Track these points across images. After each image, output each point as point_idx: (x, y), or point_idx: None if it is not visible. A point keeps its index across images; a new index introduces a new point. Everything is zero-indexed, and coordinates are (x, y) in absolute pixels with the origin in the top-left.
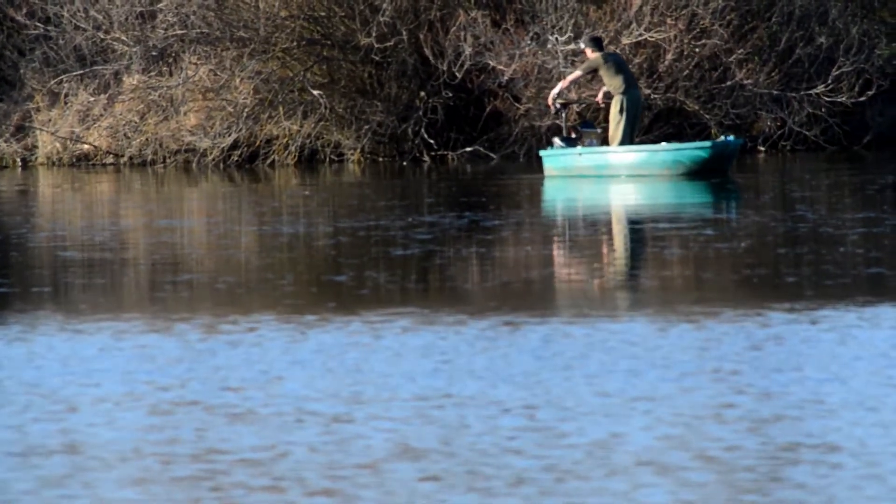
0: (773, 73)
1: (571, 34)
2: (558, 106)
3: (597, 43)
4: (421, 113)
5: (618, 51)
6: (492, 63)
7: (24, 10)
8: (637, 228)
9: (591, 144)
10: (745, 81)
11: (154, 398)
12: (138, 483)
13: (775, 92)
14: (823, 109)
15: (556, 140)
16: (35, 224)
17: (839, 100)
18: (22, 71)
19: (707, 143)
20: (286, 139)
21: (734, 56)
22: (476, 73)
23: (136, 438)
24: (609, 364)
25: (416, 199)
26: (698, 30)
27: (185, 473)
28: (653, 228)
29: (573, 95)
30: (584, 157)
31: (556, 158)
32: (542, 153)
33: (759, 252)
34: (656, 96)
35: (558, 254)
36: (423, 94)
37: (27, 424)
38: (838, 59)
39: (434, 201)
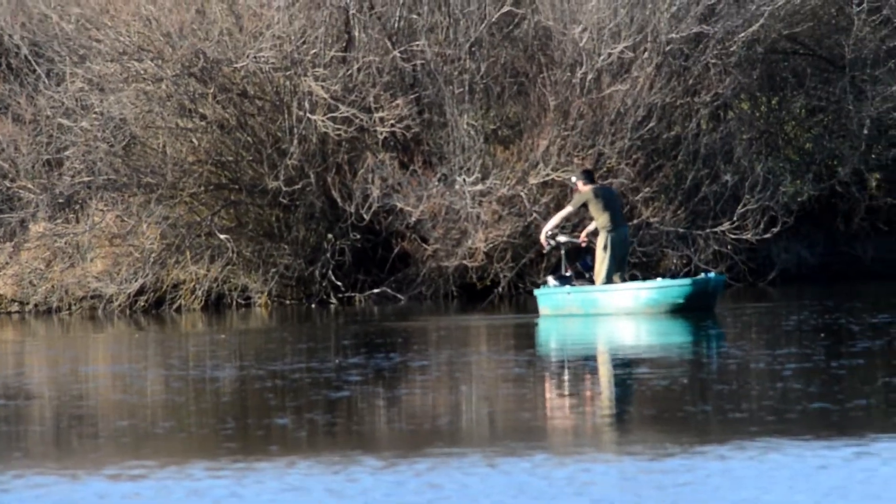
0: (678, 211)
1: (479, 174)
2: (552, 243)
3: (588, 176)
4: (329, 255)
5: (529, 190)
6: (399, 205)
7: None
8: (585, 365)
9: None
10: (652, 220)
11: None
12: None
13: (681, 230)
14: (729, 247)
15: (550, 279)
16: None
17: (744, 237)
18: None
19: (687, 281)
20: (193, 283)
21: (641, 194)
22: (384, 214)
23: None
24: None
25: (332, 341)
26: (605, 169)
27: None
28: (596, 366)
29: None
30: (572, 296)
31: (548, 297)
32: (536, 292)
33: (695, 388)
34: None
35: (499, 392)
36: (330, 236)
37: None
38: (743, 196)
39: (351, 343)
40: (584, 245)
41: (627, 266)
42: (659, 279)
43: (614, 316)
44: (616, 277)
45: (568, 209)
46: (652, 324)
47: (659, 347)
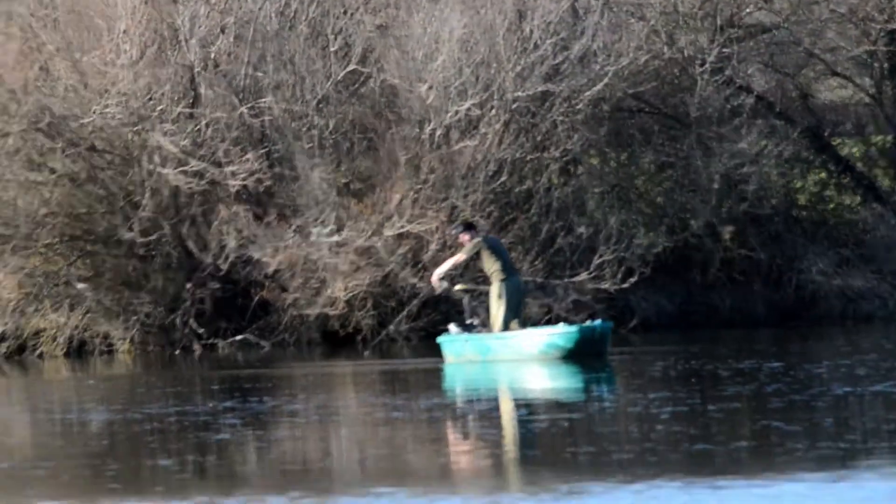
0: (535, 262)
1: (334, 226)
2: (445, 285)
3: (472, 227)
4: (189, 303)
5: (385, 241)
6: (256, 255)
7: None
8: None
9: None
10: None
11: None
12: None
13: (539, 280)
14: (588, 296)
15: (452, 326)
16: None
17: (602, 286)
18: None
19: (574, 329)
20: (54, 331)
21: None
22: (242, 264)
23: None
24: None
25: (200, 386)
26: (459, 221)
27: None
28: (464, 407)
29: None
30: (469, 343)
31: (448, 344)
32: (438, 339)
33: (576, 431)
34: (421, 286)
35: (375, 435)
36: (189, 285)
37: None
38: (599, 247)
39: (220, 388)
40: (474, 294)
41: (523, 313)
42: (561, 325)
43: (509, 362)
44: (514, 324)
45: (461, 256)
46: (542, 368)
47: (532, 391)
